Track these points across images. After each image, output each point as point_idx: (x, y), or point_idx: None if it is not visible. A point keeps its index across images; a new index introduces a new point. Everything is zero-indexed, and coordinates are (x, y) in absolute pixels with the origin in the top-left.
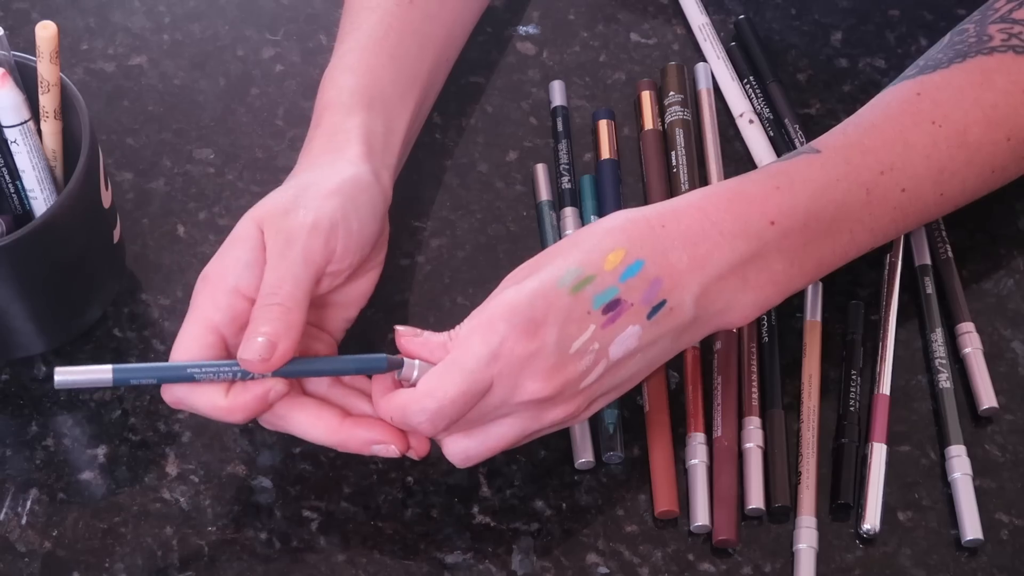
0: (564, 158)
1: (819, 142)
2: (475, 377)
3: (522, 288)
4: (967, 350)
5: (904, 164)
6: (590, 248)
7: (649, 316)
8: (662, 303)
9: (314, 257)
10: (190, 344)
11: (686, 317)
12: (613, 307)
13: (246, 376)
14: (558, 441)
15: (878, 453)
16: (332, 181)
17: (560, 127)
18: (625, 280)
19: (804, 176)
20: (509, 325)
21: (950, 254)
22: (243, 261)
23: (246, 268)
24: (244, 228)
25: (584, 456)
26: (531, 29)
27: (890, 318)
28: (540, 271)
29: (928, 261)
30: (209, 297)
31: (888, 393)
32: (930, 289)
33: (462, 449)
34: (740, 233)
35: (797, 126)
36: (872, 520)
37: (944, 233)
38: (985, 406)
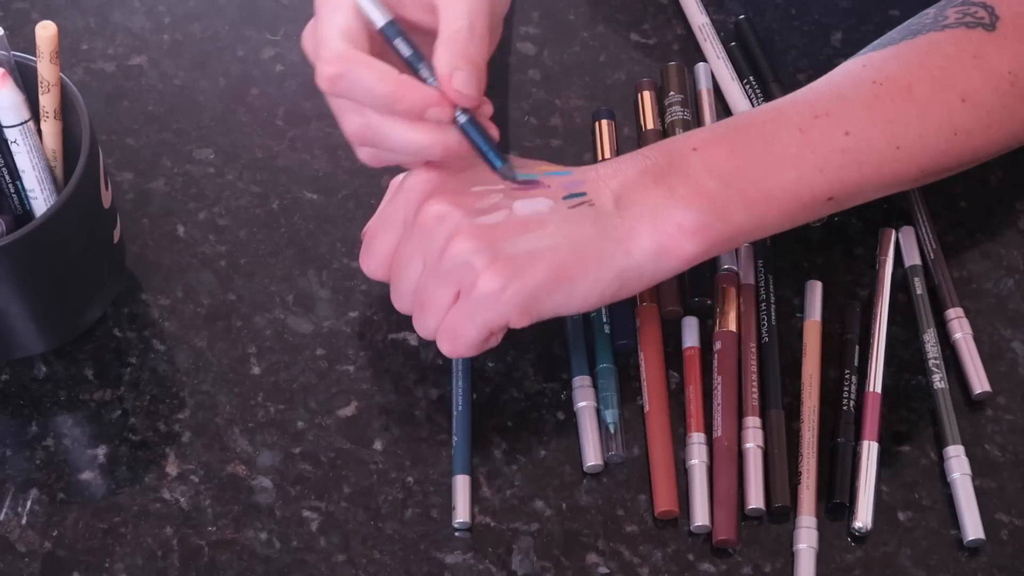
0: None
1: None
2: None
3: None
4: (956, 335)
5: (842, 112)
6: (533, 163)
7: (564, 197)
8: (581, 193)
9: None
10: None
11: (607, 209)
12: (528, 184)
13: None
14: (558, 441)
15: (869, 451)
16: None
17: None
18: (549, 176)
19: (730, 121)
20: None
21: (941, 253)
22: None
23: None
24: None
25: (592, 460)
26: (531, 29)
27: (881, 316)
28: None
29: (918, 261)
30: None
31: (879, 391)
32: (920, 290)
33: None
34: (659, 152)
35: None
36: (864, 518)
37: (931, 230)
38: (978, 391)
